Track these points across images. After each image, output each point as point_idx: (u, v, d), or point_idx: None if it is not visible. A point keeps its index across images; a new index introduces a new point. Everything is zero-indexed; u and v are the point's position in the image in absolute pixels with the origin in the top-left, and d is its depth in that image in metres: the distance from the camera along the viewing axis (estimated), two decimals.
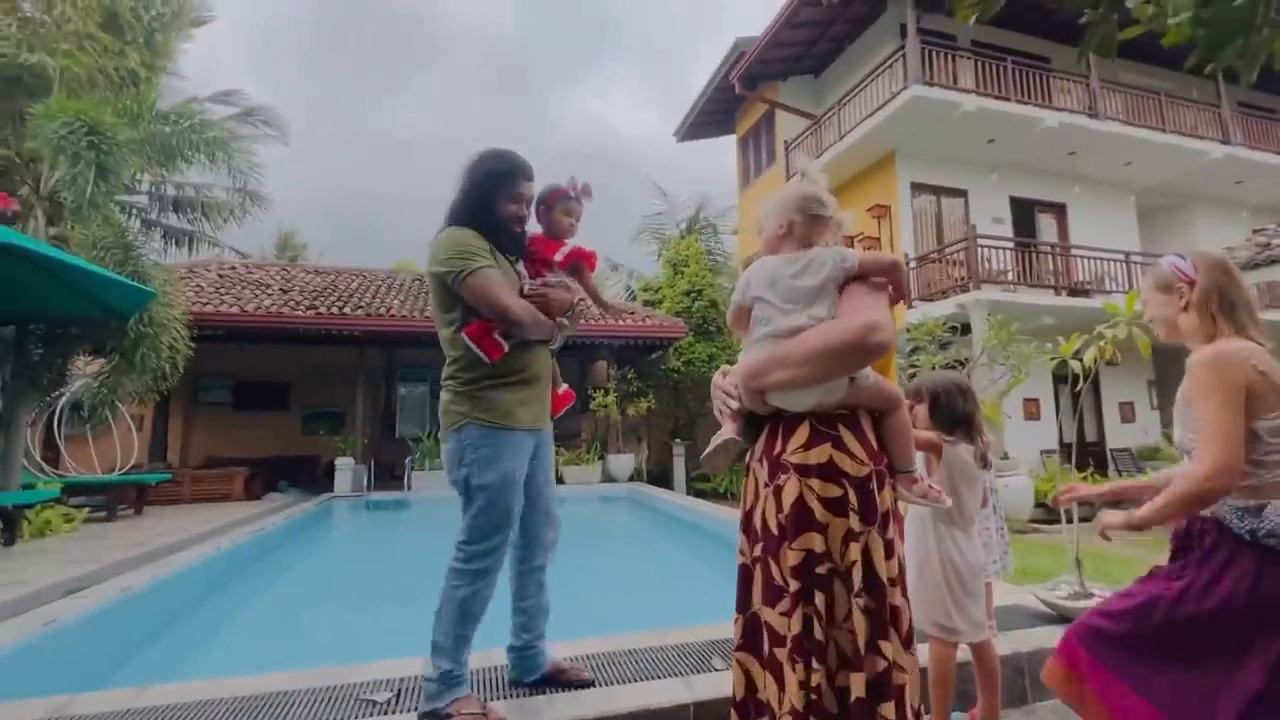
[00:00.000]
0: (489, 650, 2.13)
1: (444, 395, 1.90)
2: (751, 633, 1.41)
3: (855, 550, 1.30)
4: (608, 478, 11.05)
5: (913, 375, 6.62)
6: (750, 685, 1.40)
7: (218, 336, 9.50)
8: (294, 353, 11.86)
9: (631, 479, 11.21)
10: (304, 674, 2.16)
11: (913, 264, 10.26)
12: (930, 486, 1.53)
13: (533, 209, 2.01)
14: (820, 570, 1.30)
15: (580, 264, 2.08)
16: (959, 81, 10.01)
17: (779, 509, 1.35)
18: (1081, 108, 10.52)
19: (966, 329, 8.76)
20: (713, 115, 15.43)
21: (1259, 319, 1.50)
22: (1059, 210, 11.73)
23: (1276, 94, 13.11)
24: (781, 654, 1.30)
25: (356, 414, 10.62)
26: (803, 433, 1.37)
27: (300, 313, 9.69)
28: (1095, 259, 10.26)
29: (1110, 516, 1.53)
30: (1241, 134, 11.56)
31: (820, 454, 1.35)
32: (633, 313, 12.06)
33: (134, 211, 13.28)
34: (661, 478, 11.91)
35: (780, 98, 13.07)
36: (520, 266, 2.04)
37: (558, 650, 2.23)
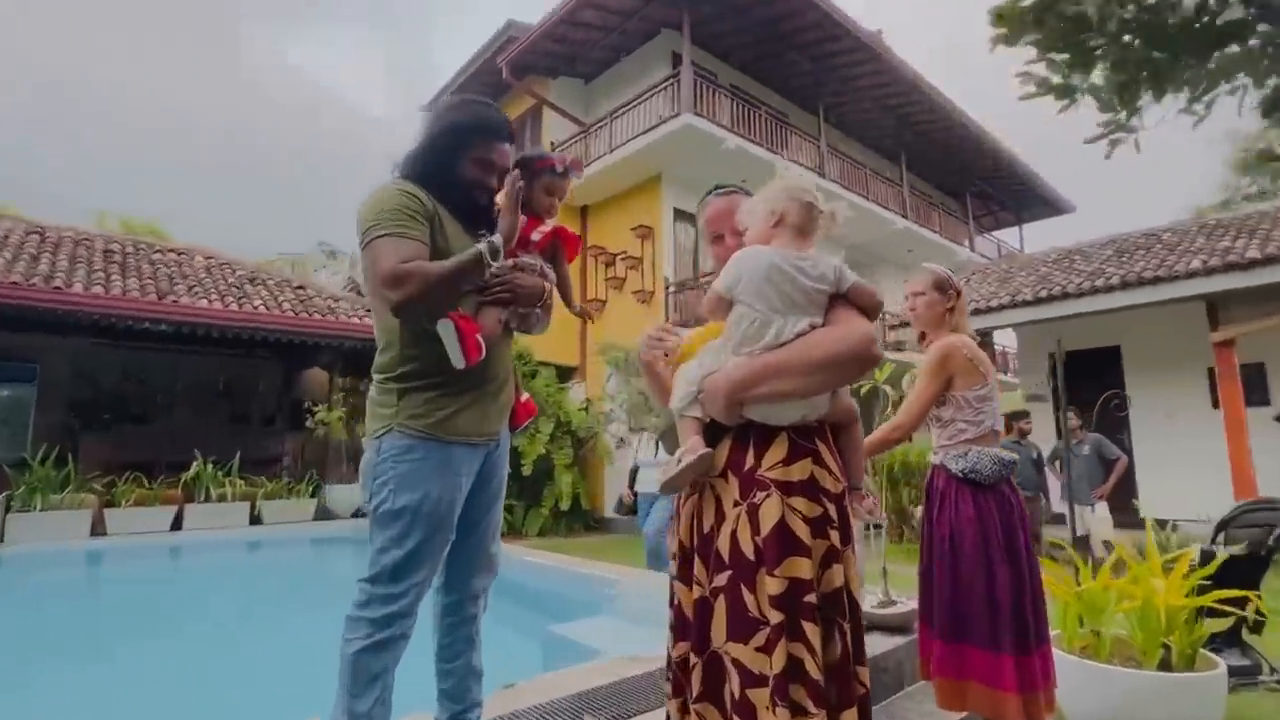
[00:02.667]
0: (424, 715, 1.81)
1: (371, 391, 1.62)
2: (712, 676, 1.26)
3: (839, 573, 1.27)
4: (324, 515, 8.94)
5: None
6: None
7: None
8: None
9: (358, 514, 9.27)
10: None
11: (672, 288, 10.41)
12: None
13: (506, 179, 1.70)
14: (808, 599, 1.21)
15: (560, 250, 1.83)
16: (718, 118, 10.48)
17: (755, 530, 1.25)
18: (813, 165, 11.92)
19: None
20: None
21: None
22: None
23: (932, 184, 16.90)
24: (758, 696, 1.16)
25: None
26: (780, 446, 1.30)
27: None
28: None
29: None
30: (914, 213, 14.47)
31: (802, 469, 1.29)
32: (370, 311, 10.10)
33: None
34: None
35: (549, 95, 12.36)
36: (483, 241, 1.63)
37: None
